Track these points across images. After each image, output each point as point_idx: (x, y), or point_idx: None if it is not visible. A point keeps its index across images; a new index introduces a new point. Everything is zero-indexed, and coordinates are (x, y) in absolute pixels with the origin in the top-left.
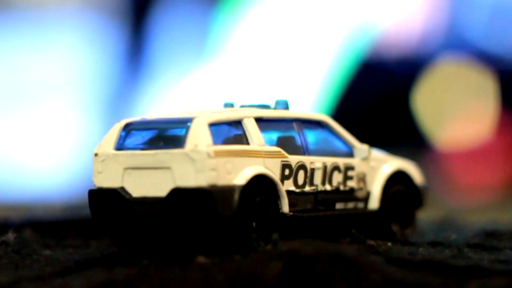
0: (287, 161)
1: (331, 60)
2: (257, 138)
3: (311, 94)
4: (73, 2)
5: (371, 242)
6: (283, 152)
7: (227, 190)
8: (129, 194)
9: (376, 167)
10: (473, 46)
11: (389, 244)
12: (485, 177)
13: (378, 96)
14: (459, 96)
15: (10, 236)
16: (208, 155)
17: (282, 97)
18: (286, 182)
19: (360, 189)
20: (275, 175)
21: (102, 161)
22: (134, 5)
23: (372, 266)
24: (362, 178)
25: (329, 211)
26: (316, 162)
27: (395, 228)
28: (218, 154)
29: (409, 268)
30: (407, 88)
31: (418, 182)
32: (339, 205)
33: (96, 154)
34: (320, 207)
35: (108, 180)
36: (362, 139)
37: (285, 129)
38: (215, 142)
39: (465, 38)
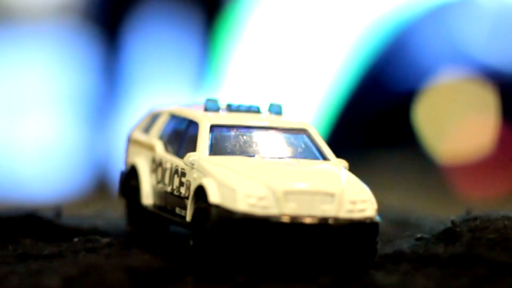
0: (154, 157)
1: (332, 72)
2: (153, 131)
3: (312, 103)
4: (46, 19)
5: None
6: (156, 147)
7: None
8: None
9: (197, 178)
10: (474, 59)
11: None
12: (486, 190)
13: (377, 110)
14: (460, 110)
15: None
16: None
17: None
18: (152, 175)
19: (187, 198)
20: (145, 167)
21: None
22: (110, 20)
23: None
24: (189, 187)
25: (169, 214)
26: (168, 162)
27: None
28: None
29: None
30: (408, 102)
31: (218, 203)
32: (178, 210)
33: None
34: (169, 207)
35: None
36: (363, 150)
37: (184, 129)
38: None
39: (466, 51)
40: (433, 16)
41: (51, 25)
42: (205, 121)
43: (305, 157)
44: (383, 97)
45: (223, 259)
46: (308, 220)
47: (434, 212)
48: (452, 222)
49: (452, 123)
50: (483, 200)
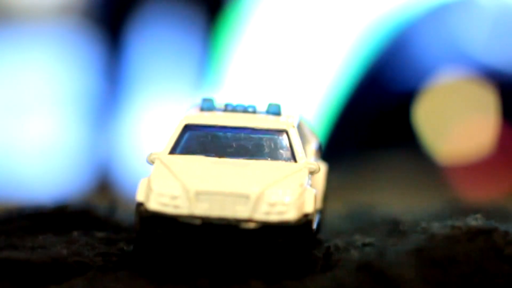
0: None
1: (332, 72)
2: None
3: (312, 103)
4: (47, 19)
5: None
6: None
7: None
8: None
9: None
10: (474, 59)
11: None
12: (486, 191)
13: (377, 110)
14: (460, 110)
15: None
16: None
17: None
18: None
19: None
20: None
21: None
22: (111, 20)
23: None
24: None
25: None
26: None
27: None
28: None
29: None
30: (408, 102)
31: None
32: None
33: None
34: None
35: None
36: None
37: None
38: None
39: (466, 51)
40: (433, 16)
41: (52, 25)
42: (182, 120)
43: (270, 158)
44: (383, 97)
45: (148, 256)
46: (215, 221)
47: (433, 213)
48: (422, 228)
49: (452, 123)
50: (482, 200)
